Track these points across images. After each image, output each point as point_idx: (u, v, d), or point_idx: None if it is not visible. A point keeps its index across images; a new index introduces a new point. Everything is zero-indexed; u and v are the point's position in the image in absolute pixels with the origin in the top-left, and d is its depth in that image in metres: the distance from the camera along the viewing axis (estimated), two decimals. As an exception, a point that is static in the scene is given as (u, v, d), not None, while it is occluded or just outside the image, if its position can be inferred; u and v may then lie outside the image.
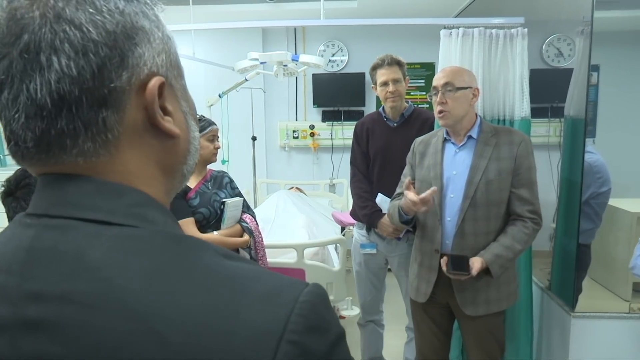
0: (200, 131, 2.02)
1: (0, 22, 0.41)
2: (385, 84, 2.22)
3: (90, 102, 0.42)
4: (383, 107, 2.33)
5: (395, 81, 2.20)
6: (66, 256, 0.40)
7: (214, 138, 2.07)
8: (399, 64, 2.23)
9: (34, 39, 0.40)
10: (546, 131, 4.32)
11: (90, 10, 0.41)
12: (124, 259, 0.40)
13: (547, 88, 4.05)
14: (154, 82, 0.45)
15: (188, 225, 1.93)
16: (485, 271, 1.71)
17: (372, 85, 2.32)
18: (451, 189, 1.81)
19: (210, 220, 2.03)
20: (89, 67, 0.41)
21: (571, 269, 1.95)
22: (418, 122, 2.28)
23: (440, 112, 1.78)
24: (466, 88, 1.76)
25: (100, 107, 0.42)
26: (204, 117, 2.09)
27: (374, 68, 2.27)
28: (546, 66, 4.46)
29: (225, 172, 2.26)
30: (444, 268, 1.73)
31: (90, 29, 0.41)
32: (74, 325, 0.37)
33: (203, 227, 2.01)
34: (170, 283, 0.39)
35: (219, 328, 0.37)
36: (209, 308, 0.38)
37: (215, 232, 2.02)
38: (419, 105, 4.67)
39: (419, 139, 2.02)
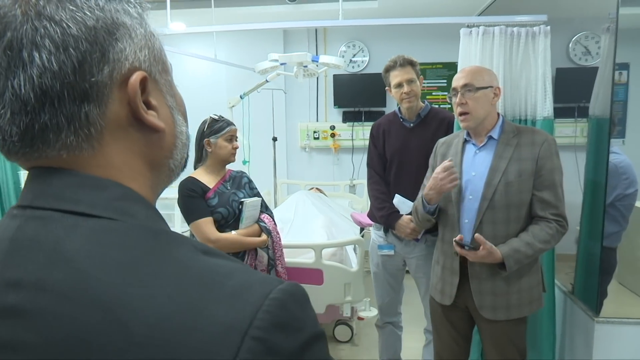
0: (218, 132, 2.05)
1: None
2: (399, 85, 2.20)
3: (72, 97, 0.43)
4: (399, 108, 2.31)
5: (410, 81, 2.19)
6: (44, 246, 0.41)
7: (232, 138, 2.09)
8: (411, 64, 2.21)
9: (16, 36, 0.41)
10: (572, 132, 4.22)
11: (71, 7, 0.42)
12: (99, 251, 0.40)
13: (574, 87, 3.96)
14: (136, 77, 0.46)
15: (206, 225, 1.96)
16: (500, 266, 1.67)
17: (387, 88, 2.31)
18: (470, 190, 1.78)
19: (229, 220, 2.05)
20: (70, 61, 0.42)
21: (595, 273, 1.89)
22: (435, 122, 2.26)
23: (460, 114, 1.75)
24: (486, 87, 1.73)
25: (82, 101, 0.43)
26: (222, 117, 2.11)
27: (387, 70, 2.26)
28: (573, 65, 4.36)
29: (244, 173, 2.28)
30: (456, 249, 1.70)
31: (70, 24, 0.42)
32: (46, 314, 0.38)
33: (221, 226, 2.03)
34: (141, 276, 0.39)
35: (182, 322, 0.37)
36: (175, 302, 0.38)
37: (233, 232, 2.04)
38: (441, 106, 4.64)
39: (441, 140, 2.00)
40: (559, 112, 4.26)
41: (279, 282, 0.42)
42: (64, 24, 0.42)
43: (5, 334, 0.38)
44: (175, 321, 0.37)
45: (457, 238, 1.70)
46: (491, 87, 1.74)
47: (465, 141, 1.86)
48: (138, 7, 0.48)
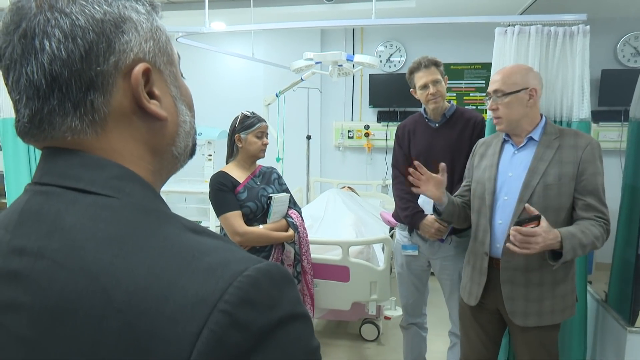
0: (249, 128, 2.12)
1: (7, 14, 0.48)
2: (425, 86, 2.19)
3: (79, 84, 0.47)
4: (424, 109, 2.30)
5: (435, 82, 2.17)
6: (46, 218, 0.45)
7: (262, 135, 2.15)
8: (436, 64, 2.20)
9: (29, 25, 0.46)
10: (618, 136, 4.05)
11: (81, 2, 0.47)
12: (93, 224, 0.44)
13: (621, 90, 3.79)
14: (139, 68, 0.49)
15: (235, 218, 2.03)
16: (552, 255, 1.55)
17: (411, 89, 2.30)
18: (505, 191, 1.75)
19: (257, 214, 2.11)
20: (77, 50, 0.46)
21: (629, 281, 1.83)
22: (461, 122, 2.23)
23: (495, 117, 1.75)
24: (518, 91, 1.68)
25: (89, 89, 0.47)
26: (254, 113, 2.17)
27: (411, 72, 2.24)
28: (621, 66, 4.18)
29: (274, 169, 2.34)
30: (513, 239, 1.52)
31: (79, 17, 0.46)
32: (42, 279, 0.42)
33: (250, 220, 2.09)
34: (127, 248, 0.43)
35: (158, 292, 0.40)
36: (153, 273, 0.41)
37: (260, 226, 2.10)
38: (479, 107, 4.55)
39: (481, 141, 1.98)
40: (604, 116, 4.14)
41: (258, 262, 0.44)
42: (73, 16, 0.46)
43: (8, 296, 0.43)
44: (151, 291, 0.40)
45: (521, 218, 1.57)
46: (525, 89, 1.69)
47: (505, 141, 1.83)
48: (147, 5, 0.52)
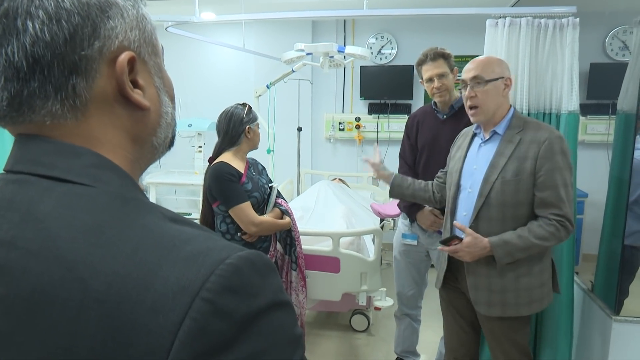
0: (252, 121, 2.12)
1: None
2: (430, 80, 2.19)
3: (61, 68, 0.45)
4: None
5: (440, 76, 2.16)
6: (19, 207, 0.44)
7: (258, 126, 2.17)
8: (443, 56, 2.18)
9: (12, 5, 0.44)
10: (605, 129, 4.10)
11: None
12: (68, 213, 0.43)
13: (609, 83, 3.84)
14: (124, 56, 0.48)
15: (249, 208, 2.02)
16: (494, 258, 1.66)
17: (420, 80, 2.30)
18: (470, 183, 1.77)
19: (261, 204, 2.12)
20: (62, 33, 0.45)
21: (615, 271, 1.86)
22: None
23: (470, 107, 1.72)
24: (497, 79, 1.69)
25: (71, 73, 0.46)
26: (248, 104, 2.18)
27: (419, 64, 2.24)
28: (609, 60, 4.22)
29: (256, 159, 2.32)
30: (442, 249, 1.74)
31: None
32: (16, 269, 0.41)
33: (255, 211, 2.07)
34: (104, 238, 0.42)
35: (137, 281, 0.40)
36: (133, 262, 0.40)
37: (266, 215, 2.12)
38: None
39: (462, 132, 2.00)
40: (593, 109, 4.19)
41: (240, 250, 0.44)
42: None
43: None
44: (130, 280, 0.40)
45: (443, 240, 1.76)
46: (502, 77, 1.70)
47: (474, 134, 1.85)
48: None
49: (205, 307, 0.39)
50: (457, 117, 2.25)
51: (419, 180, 2.09)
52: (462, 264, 1.77)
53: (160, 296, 0.39)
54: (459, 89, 1.80)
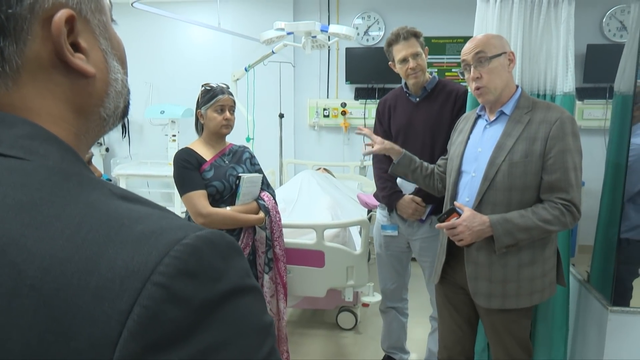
0: (208, 102, 2.08)
1: None
2: (404, 60, 2.18)
3: None
4: (405, 82, 2.30)
5: (415, 55, 2.16)
6: None
7: (223, 108, 2.09)
8: (415, 35, 2.18)
9: None
10: (602, 114, 4.15)
11: None
12: None
13: (606, 66, 3.87)
14: (61, 14, 0.45)
15: (199, 198, 2.00)
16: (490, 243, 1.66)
17: (390, 62, 2.29)
18: (475, 167, 1.77)
19: (224, 195, 2.08)
20: None
21: (611, 261, 1.89)
22: (442, 95, 2.24)
23: (477, 88, 1.71)
24: (500, 55, 1.68)
25: None
26: (219, 85, 2.13)
27: (389, 44, 2.22)
28: (606, 41, 4.27)
29: (247, 148, 2.31)
30: (440, 225, 1.73)
31: None
32: None
33: (216, 201, 2.07)
34: (41, 217, 0.39)
35: (78, 266, 0.37)
36: (74, 244, 0.38)
37: (228, 208, 2.07)
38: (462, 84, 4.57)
39: (463, 116, 2.00)
40: (589, 93, 4.23)
41: (199, 229, 0.41)
42: None
43: None
44: (71, 264, 0.37)
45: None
46: (504, 53, 1.70)
47: (478, 116, 1.85)
48: None
49: (157, 292, 0.36)
50: (430, 99, 2.25)
51: (426, 164, 2.06)
52: (462, 254, 1.78)
53: (105, 281, 0.36)
54: (460, 72, 1.79)
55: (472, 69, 1.70)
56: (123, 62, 0.55)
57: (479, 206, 1.71)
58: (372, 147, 1.99)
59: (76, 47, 0.47)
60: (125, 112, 0.56)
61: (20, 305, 0.36)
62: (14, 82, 0.45)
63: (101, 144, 5.05)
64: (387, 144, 1.99)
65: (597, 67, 4.13)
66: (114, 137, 5.21)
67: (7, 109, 0.45)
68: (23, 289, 0.36)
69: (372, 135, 2.03)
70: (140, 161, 4.81)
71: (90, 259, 0.37)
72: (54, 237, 0.38)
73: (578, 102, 3.78)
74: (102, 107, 0.52)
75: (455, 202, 1.74)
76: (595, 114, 4.21)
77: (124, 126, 5.11)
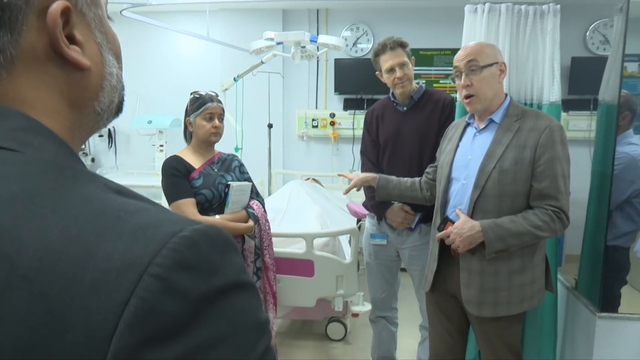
0: (197, 109, 2.09)
1: None
2: (391, 70, 2.21)
3: None
4: (392, 92, 2.34)
5: (402, 65, 2.19)
6: None
7: (212, 116, 2.10)
8: (402, 45, 2.21)
9: None
10: (587, 125, 4.23)
11: None
12: None
13: (590, 78, 3.96)
14: (57, 5, 0.44)
15: (188, 206, 2.00)
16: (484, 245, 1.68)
17: (377, 72, 2.33)
18: (465, 175, 1.79)
19: (213, 203, 2.09)
20: None
21: (599, 267, 1.92)
22: (429, 104, 2.27)
23: (466, 96, 1.74)
24: (492, 65, 1.71)
25: None
26: (208, 94, 2.14)
27: (376, 54, 2.26)
28: (590, 54, 4.37)
29: (236, 156, 2.32)
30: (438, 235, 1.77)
31: None
32: None
33: (205, 209, 2.07)
34: (35, 208, 0.38)
35: (74, 258, 0.36)
36: (69, 236, 0.37)
37: (217, 216, 2.07)
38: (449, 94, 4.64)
39: (452, 124, 2.03)
40: (574, 105, 4.32)
41: (196, 223, 0.41)
42: None
43: None
44: (66, 256, 0.36)
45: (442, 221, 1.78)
46: (496, 63, 1.73)
47: (467, 124, 1.87)
48: None
49: (155, 284, 0.36)
50: (417, 108, 2.28)
51: (405, 179, 2.11)
52: (452, 262, 1.79)
53: (101, 273, 0.36)
54: (451, 78, 1.82)
55: (463, 76, 1.73)
56: (118, 57, 0.55)
57: (470, 214, 1.73)
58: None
59: (71, 40, 0.47)
60: (119, 107, 0.56)
61: (14, 297, 0.35)
62: (8, 72, 0.45)
63: (87, 154, 5.02)
64: (362, 175, 2.20)
65: (582, 79, 4.23)
66: (100, 147, 5.17)
67: (1, 100, 0.45)
68: (16, 281, 0.35)
69: (349, 175, 2.28)
70: (126, 171, 4.78)
71: (85, 251, 0.37)
72: (49, 229, 0.37)
73: (563, 114, 3.85)
74: (97, 101, 0.52)
75: (457, 210, 1.76)
76: (580, 125, 4.29)
77: (110, 136, 5.09)
